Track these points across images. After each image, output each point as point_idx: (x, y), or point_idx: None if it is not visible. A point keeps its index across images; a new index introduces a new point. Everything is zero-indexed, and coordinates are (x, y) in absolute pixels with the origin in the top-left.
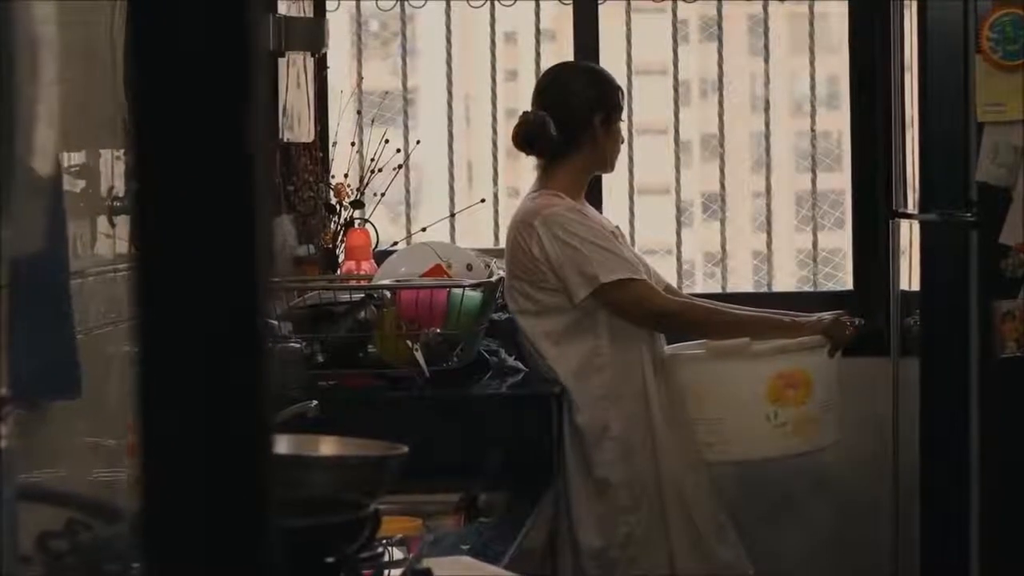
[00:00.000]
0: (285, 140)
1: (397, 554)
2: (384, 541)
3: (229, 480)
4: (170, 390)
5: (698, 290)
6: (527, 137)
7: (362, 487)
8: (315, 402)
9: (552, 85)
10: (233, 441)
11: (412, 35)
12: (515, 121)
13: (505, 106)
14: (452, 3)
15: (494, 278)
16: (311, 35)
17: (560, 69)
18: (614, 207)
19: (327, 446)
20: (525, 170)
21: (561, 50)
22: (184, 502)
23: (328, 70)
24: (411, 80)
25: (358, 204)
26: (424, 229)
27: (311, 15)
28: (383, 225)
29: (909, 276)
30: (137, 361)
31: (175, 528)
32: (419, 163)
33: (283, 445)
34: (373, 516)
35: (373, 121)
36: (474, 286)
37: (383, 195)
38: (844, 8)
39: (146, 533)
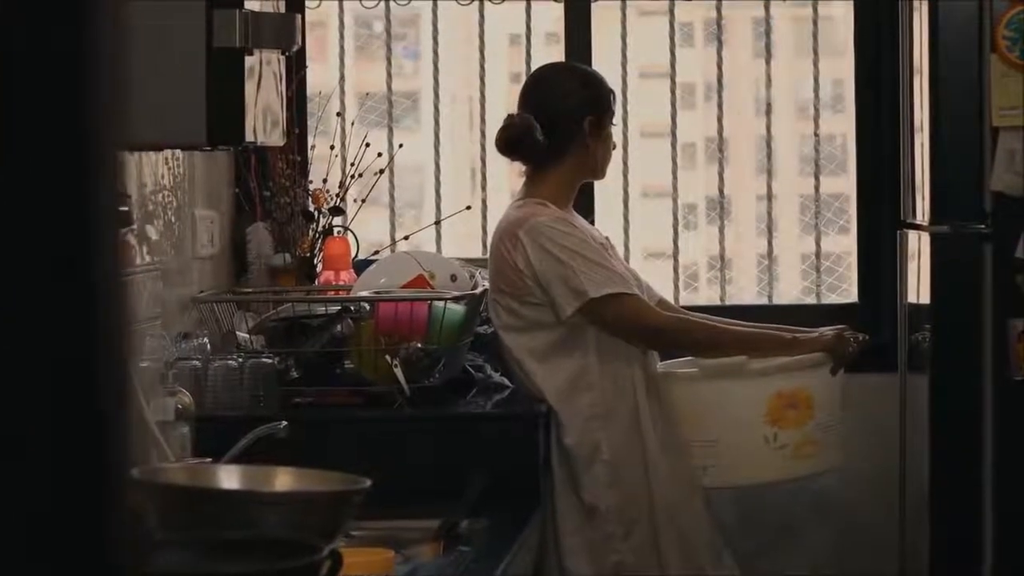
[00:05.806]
0: (257, 143)
1: None
2: None
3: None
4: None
5: (702, 295)
6: (511, 141)
7: (319, 526)
8: (284, 423)
9: (539, 86)
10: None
11: (416, 37)
12: None
13: (509, 109)
14: (451, 5)
15: (479, 289)
16: (281, 32)
17: (548, 70)
18: (611, 213)
19: (283, 479)
20: None
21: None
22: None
23: (307, 70)
24: (415, 82)
25: (337, 211)
26: (407, 237)
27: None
28: (379, 231)
29: (917, 288)
30: None
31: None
32: (423, 166)
33: (233, 479)
34: (331, 557)
35: (353, 123)
36: (457, 298)
37: (363, 201)
38: (849, 10)
39: None
